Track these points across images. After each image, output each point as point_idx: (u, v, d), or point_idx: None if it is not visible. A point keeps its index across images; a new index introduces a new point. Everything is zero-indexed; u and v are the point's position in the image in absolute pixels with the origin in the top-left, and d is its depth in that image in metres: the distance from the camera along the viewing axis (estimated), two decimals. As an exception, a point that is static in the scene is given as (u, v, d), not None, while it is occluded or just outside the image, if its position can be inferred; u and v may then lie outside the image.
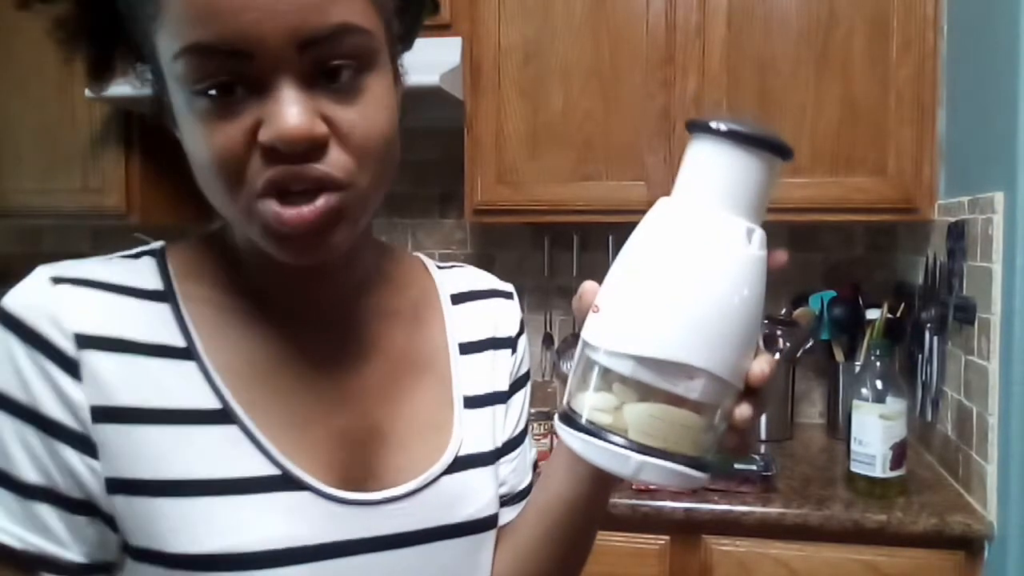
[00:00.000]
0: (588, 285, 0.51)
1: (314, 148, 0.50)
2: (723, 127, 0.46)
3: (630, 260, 0.49)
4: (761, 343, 0.50)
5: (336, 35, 0.50)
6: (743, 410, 0.49)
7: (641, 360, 0.46)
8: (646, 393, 0.47)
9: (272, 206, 0.50)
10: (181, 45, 0.49)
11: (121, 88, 0.59)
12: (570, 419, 0.50)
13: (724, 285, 0.46)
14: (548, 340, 2.24)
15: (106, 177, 2.10)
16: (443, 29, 1.92)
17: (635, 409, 0.47)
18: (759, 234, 0.48)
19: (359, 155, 0.52)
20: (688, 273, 0.46)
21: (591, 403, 0.48)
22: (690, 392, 0.46)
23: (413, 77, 2.10)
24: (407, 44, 0.62)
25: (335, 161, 0.51)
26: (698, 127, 0.48)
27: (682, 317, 0.46)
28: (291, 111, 0.49)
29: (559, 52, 1.90)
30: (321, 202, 0.50)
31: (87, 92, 1.95)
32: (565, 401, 0.51)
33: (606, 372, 0.48)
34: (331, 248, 0.53)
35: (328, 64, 0.50)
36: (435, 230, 2.33)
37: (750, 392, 0.49)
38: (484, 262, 2.30)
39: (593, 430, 0.48)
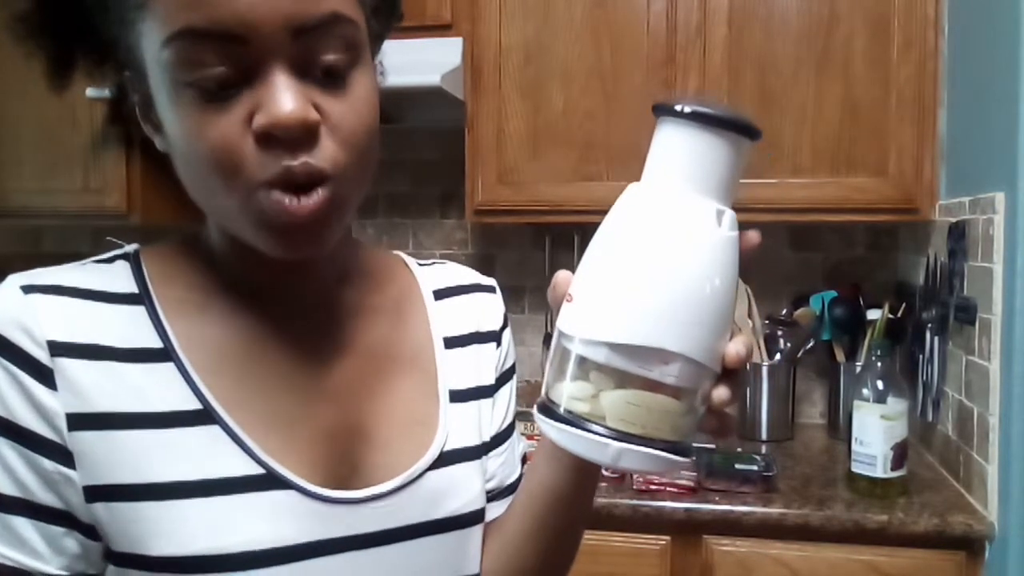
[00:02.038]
0: (561, 275, 0.51)
1: (307, 135, 0.50)
2: (687, 109, 0.46)
3: (601, 247, 0.49)
4: (753, 331, 0.50)
5: (328, 24, 0.50)
6: (720, 393, 0.48)
7: (615, 347, 0.46)
8: (622, 380, 0.46)
9: (278, 196, 0.50)
10: (172, 30, 0.48)
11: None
12: (548, 409, 0.49)
13: (694, 267, 0.46)
14: (548, 340, 2.24)
15: (107, 177, 2.10)
16: (444, 29, 1.92)
17: (612, 396, 0.47)
18: (729, 215, 0.47)
19: (347, 147, 0.52)
20: (658, 257, 0.46)
21: (568, 392, 0.48)
22: (666, 376, 0.46)
23: (414, 77, 2.09)
24: (379, 46, 0.63)
25: (326, 152, 0.51)
26: (663, 110, 0.48)
27: (654, 302, 0.46)
28: (285, 96, 0.49)
29: (560, 52, 1.90)
30: (320, 194, 0.51)
31: (88, 92, 1.94)
32: (543, 392, 0.51)
33: (582, 360, 0.47)
34: (324, 242, 0.53)
35: (319, 56, 0.51)
36: (436, 230, 2.33)
37: (727, 374, 0.49)
38: (485, 262, 2.30)
39: (571, 419, 0.48)
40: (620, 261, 0.47)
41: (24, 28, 0.55)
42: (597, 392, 0.47)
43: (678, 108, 0.47)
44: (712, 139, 0.46)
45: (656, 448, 0.47)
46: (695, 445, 0.50)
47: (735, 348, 0.48)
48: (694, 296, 0.46)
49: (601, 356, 0.46)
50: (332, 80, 0.52)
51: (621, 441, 0.46)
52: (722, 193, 0.47)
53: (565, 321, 0.49)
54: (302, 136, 0.50)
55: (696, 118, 0.46)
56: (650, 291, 0.46)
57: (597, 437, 0.47)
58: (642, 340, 0.45)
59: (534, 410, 0.51)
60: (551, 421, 0.49)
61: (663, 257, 0.46)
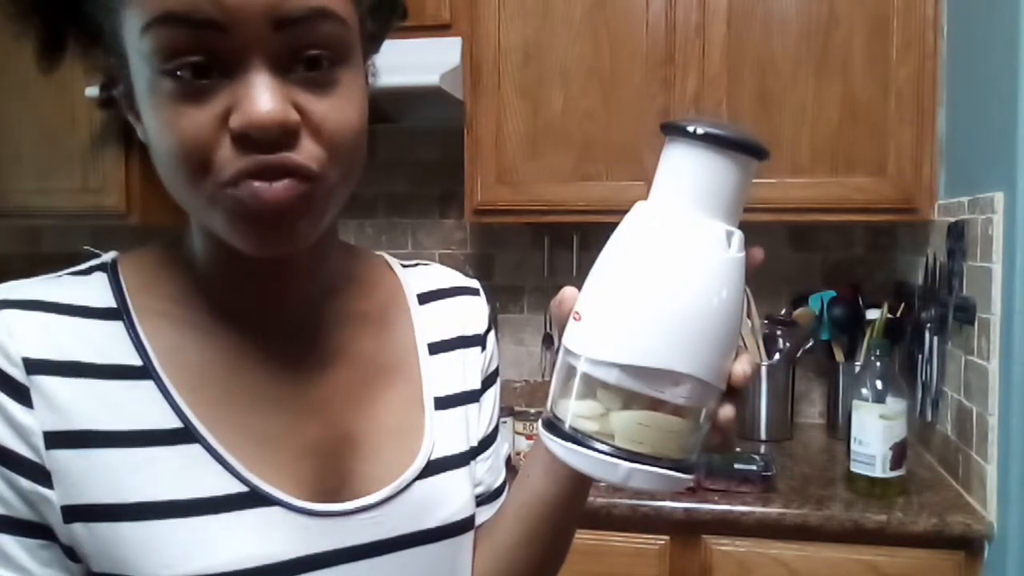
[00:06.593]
0: (568, 291, 0.51)
1: (286, 136, 0.48)
2: (699, 130, 0.46)
3: (611, 266, 0.49)
4: (750, 343, 0.51)
5: (313, 18, 0.49)
6: (726, 411, 0.49)
7: (626, 368, 0.46)
8: (630, 399, 0.47)
9: (248, 184, 0.48)
10: (152, 15, 0.47)
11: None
12: (553, 426, 0.50)
13: (706, 291, 0.46)
14: (548, 340, 2.24)
15: (106, 177, 2.10)
16: (443, 29, 1.92)
17: (621, 416, 0.47)
18: (737, 236, 0.48)
19: (330, 147, 0.50)
20: (670, 280, 0.46)
21: (575, 410, 0.48)
22: (676, 397, 0.47)
23: (413, 77, 2.09)
24: (376, 46, 0.61)
25: (307, 151, 0.49)
26: (673, 130, 0.47)
27: (666, 324, 0.46)
28: (263, 96, 0.47)
29: (559, 52, 1.90)
30: (294, 183, 0.49)
31: (87, 92, 1.94)
32: (548, 407, 0.51)
33: (589, 379, 0.48)
34: (295, 237, 0.51)
35: (303, 52, 0.49)
36: (435, 230, 2.33)
37: (732, 392, 0.49)
38: (484, 262, 2.30)
39: (579, 438, 0.48)
40: (631, 284, 0.47)
41: (15, 6, 0.53)
42: (605, 411, 0.47)
43: (689, 129, 0.46)
44: (723, 161, 0.46)
45: (664, 467, 0.47)
46: (698, 460, 0.51)
47: (741, 367, 0.49)
48: (705, 319, 0.46)
49: (611, 377, 0.47)
50: (316, 78, 0.50)
51: (630, 461, 0.47)
52: (731, 214, 0.47)
53: (573, 340, 0.49)
54: (279, 138, 0.48)
55: (708, 140, 0.46)
56: (662, 314, 0.46)
57: (606, 457, 0.47)
58: (654, 362, 0.46)
59: (539, 425, 0.51)
60: (557, 439, 0.49)
61: (675, 281, 0.46)
